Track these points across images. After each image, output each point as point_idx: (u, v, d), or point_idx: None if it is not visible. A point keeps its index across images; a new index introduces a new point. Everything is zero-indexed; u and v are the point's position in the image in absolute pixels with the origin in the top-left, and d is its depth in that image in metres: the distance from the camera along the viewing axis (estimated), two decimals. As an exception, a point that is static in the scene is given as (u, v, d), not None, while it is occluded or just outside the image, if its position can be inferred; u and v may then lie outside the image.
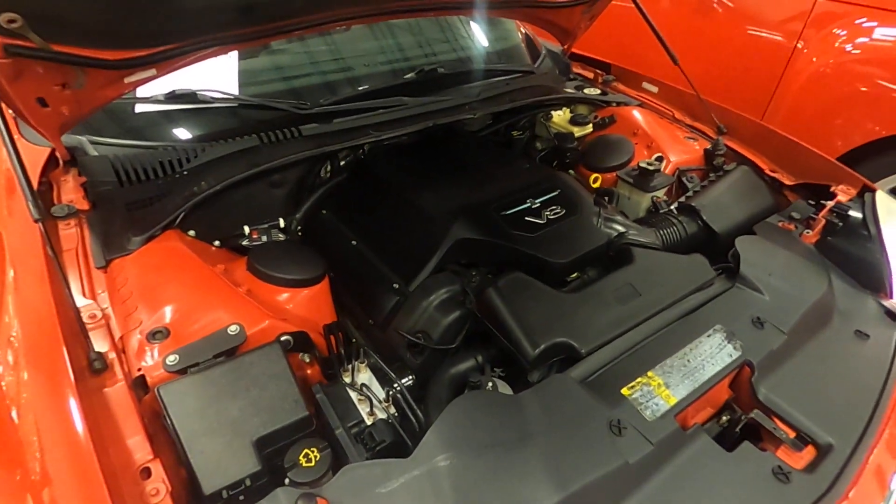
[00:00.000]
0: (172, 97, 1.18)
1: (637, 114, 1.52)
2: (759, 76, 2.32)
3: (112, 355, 0.74)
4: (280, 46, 1.39)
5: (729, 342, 0.87)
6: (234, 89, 1.25)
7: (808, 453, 0.76)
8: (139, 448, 0.65)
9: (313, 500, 0.61)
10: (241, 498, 0.66)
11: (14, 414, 0.65)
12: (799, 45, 2.18)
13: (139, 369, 0.74)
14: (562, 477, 0.66)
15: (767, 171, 1.34)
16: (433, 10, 1.34)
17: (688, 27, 2.54)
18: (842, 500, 0.69)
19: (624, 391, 0.78)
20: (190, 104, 1.20)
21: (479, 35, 1.71)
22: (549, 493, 0.64)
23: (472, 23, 1.72)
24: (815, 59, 2.14)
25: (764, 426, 0.80)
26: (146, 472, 0.63)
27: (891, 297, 1.07)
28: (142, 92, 1.17)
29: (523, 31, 1.84)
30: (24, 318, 0.74)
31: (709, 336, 0.88)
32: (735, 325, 0.90)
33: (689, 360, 0.84)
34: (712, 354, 0.85)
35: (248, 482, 0.66)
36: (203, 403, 0.71)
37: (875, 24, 1.99)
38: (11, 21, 0.74)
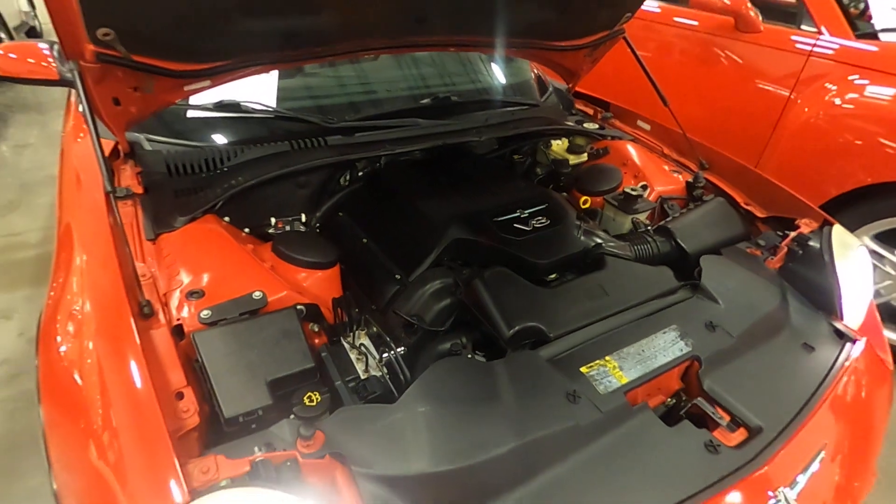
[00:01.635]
0: (219, 106, 1.38)
1: (629, 147, 1.68)
2: (757, 123, 2.47)
3: (157, 307, 0.90)
4: (314, 70, 1.59)
5: (681, 339, 1.00)
6: (272, 103, 1.44)
7: (740, 434, 0.88)
8: (175, 377, 0.79)
9: (311, 430, 0.75)
10: (254, 426, 0.80)
11: (77, 376, 0.80)
12: (792, 97, 2.34)
13: (178, 320, 0.90)
14: (520, 429, 0.79)
15: (742, 204, 1.47)
16: (448, 47, 1.54)
17: (693, 76, 2.73)
18: (760, 469, 0.80)
19: (583, 369, 0.91)
20: (233, 113, 1.39)
21: (492, 70, 1.91)
22: (507, 439, 0.77)
23: (487, 59, 1.93)
24: (806, 110, 2.29)
25: (704, 411, 0.92)
26: (180, 395, 0.77)
27: (841, 319, 1.18)
28: (194, 100, 1.37)
29: (535, 71, 2.04)
30: (94, 273, 0.91)
31: (664, 333, 1.00)
32: (689, 326, 1.03)
33: (643, 351, 0.96)
34: (665, 348, 0.98)
35: (260, 412, 0.80)
36: (228, 349, 0.85)
37: (866, 81, 2.14)
38: (106, 34, 0.94)
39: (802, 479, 0.81)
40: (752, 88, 2.49)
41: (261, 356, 0.85)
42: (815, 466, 0.84)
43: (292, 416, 0.79)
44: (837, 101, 2.19)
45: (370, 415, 0.80)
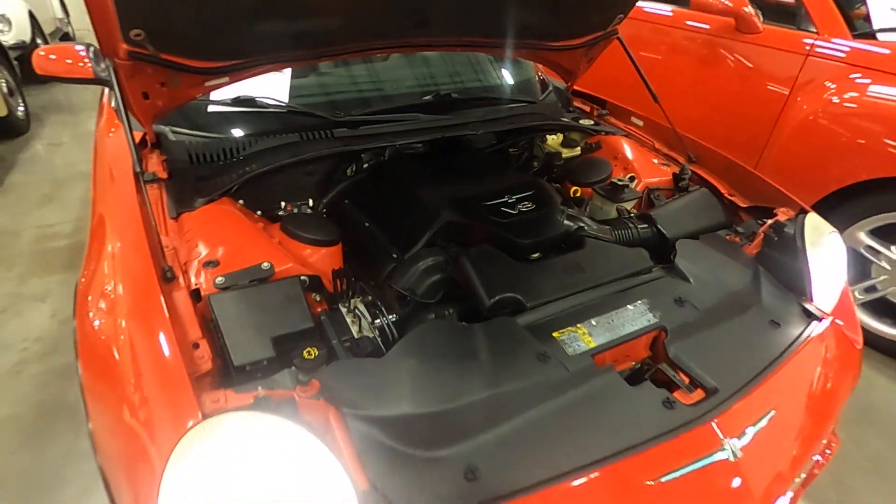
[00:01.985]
0: (236, 101, 1.50)
1: (621, 142, 1.76)
2: (758, 121, 2.53)
3: (178, 273, 1.02)
4: (322, 69, 1.72)
5: (650, 312, 1.09)
6: (284, 99, 1.57)
7: (697, 395, 0.96)
8: (193, 330, 0.90)
9: (309, 378, 0.86)
10: (259, 374, 0.91)
11: (109, 329, 0.92)
12: (791, 95, 2.39)
13: (196, 285, 1.01)
14: (493, 381, 0.89)
15: (726, 195, 1.55)
16: (449, 47, 1.65)
17: (694, 76, 2.80)
18: (710, 422, 0.88)
19: (555, 334, 1.00)
20: (249, 108, 1.52)
21: (492, 69, 2.01)
22: (480, 389, 0.87)
23: (488, 59, 2.03)
24: (805, 108, 2.34)
25: (667, 375, 1.00)
26: (196, 345, 0.89)
27: (811, 301, 1.25)
28: (214, 96, 1.50)
29: (540, 74, 2.14)
30: (125, 244, 1.03)
31: (634, 306, 1.09)
32: (659, 300, 1.11)
33: (613, 320, 1.05)
34: (633, 319, 1.07)
35: (265, 363, 0.91)
36: (239, 310, 0.96)
37: (864, 80, 2.19)
38: (137, 35, 1.07)
39: (750, 434, 0.89)
40: (753, 87, 2.54)
41: (267, 317, 0.97)
42: (763, 423, 0.91)
43: (293, 368, 0.90)
44: (835, 99, 2.24)
45: (361, 367, 0.91)
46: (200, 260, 1.06)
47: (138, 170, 1.08)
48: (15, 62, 4.51)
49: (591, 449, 0.83)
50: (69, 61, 1.70)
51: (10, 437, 1.70)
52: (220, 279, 1.01)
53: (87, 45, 1.75)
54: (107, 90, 1.93)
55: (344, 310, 1.07)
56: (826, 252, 1.30)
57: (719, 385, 0.96)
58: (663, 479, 0.81)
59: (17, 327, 2.16)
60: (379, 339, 1.02)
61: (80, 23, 8.70)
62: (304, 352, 0.92)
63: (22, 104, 4.37)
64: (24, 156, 3.88)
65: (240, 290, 1.00)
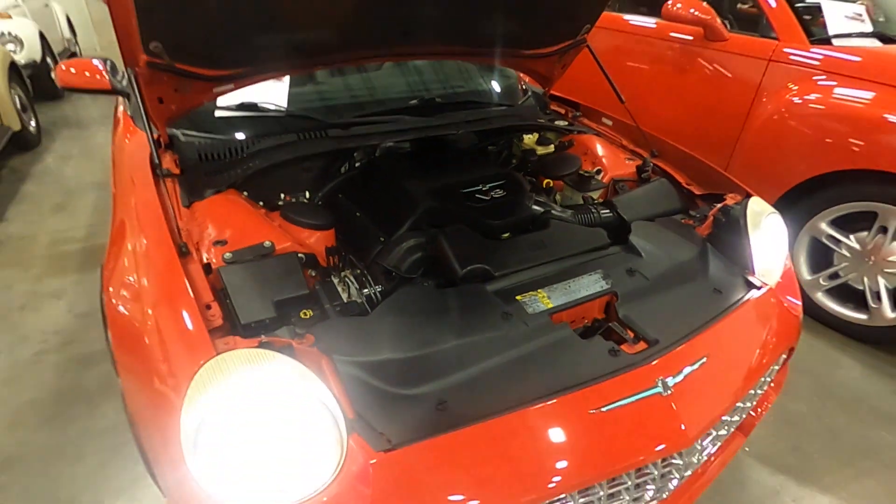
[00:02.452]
0: (240, 106, 1.68)
1: (591, 140, 1.93)
2: (728, 121, 2.70)
3: (192, 250, 1.18)
4: (318, 77, 1.89)
5: (603, 280, 1.24)
6: (283, 104, 1.74)
7: (640, 346, 1.11)
8: (206, 294, 1.05)
9: (304, 333, 1.01)
10: (262, 331, 1.06)
11: (135, 292, 1.07)
12: (757, 97, 2.57)
13: (207, 260, 1.17)
14: (462, 333, 1.04)
15: (684, 184, 1.71)
16: (431, 56, 1.82)
17: (673, 82, 2.98)
18: (647, 365, 1.03)
19: (518, 297, 1.16)
20: (251, 112, 1.69)
21: (473, 75, 2.19)
22: (450, 339, 1.03)
23: (471, 67, 2.21)
24: (769, 109, 2.51)
25: (615, 331, 1.15)
26: (209, 306, 1.04)
27: (753, 273, 1.40)
28: (220, 101, 1.68)
29: (523, 84, 2.31)
30: (146, 224, 1.19)
31: (590, 275, 1.25)
32: (612, 271, 1.27)
33: (570, 287, 1.21)
34: (588, 285, 1.22)
35: (267, 321, 1.06)
36: (244, 279, 1.12)
37: (821, 82, 2.35)
38: (156, 46, 1.24)
39: (681, 375, 1.04)
40: (723, 91, 2.72)
41: (268, 285, 1.12)
42: (694, 367, 1.06)
43: (291, 325, 1.06)
44: (797, 100, 2.41)
45: (349, 323, 1.06)
46: (210, 239, 1.22)
47: (157, 161, 1.24)
48: (28, 80, 4.72)
49: (543, 386, 0.98)
50: (87, 74, 1.89)
51: (31, 419, 1.84)
52: (227, 255, 1.17)
53: (104, 59, 1.93)
54: (120, 102, 2.10)
55: (335, 280, 1.23)
56: (767, 231, 1.45)
57: (660, 338, 1.11)
58: (604, 409, 0.96)
59: (36, 322, 2.32)
60: (366, 305, 1.17)
61: (86, 43, 8.99)
62: (301, 312, 1.09)
63: (34, 120, 4.57)
64: (36, 168, 4.07)
65: (245, 263, 1.16)
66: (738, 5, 3.21)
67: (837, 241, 2.31)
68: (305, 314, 1.08)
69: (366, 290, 1.21)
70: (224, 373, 0.83)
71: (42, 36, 5.70)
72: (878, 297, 2.22)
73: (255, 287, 1.11)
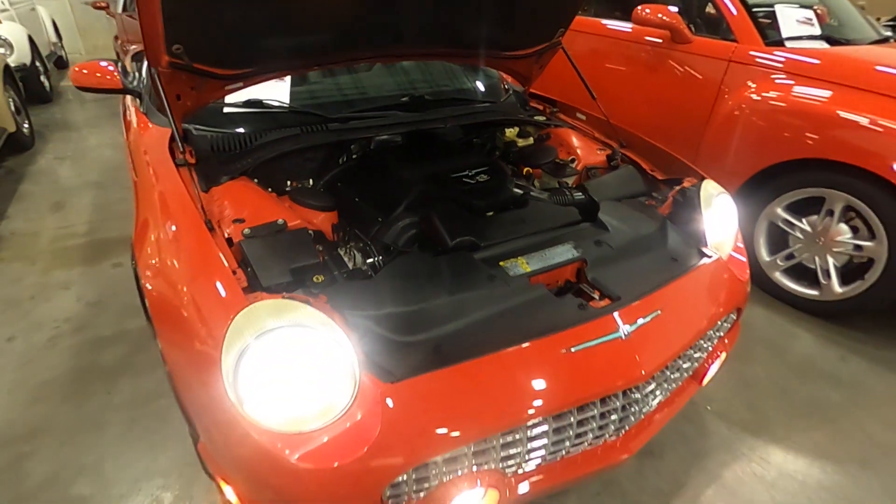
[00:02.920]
0: (247, 103, 1.84)
1: (567, 132, 2.13)
2: (695, 116, 2.92)
3: (215, 226, 1.34)
4: (318, 77, 2.07)
5: (574, 249, 1.43)
6: (286, 100, 1.90)
7: (605, 302, 1.30)
8: (230, 262, 1.22)
9: (318, 293, 1.18)
10: (283, 291, 1.22)
11: (173, 261, 1.23)
12: (719, 94, 2.80)
13: (228, 234, 1.33)
14: (453, 291, 1.22)
15: (648, 170, 1.91)
16: (420, 57, 2.01)
17: (642, 82, 3.20)
18: (610, 315, 1.22)
19: (501, 263, 1.34)
20: (257, 108, 1.86)
21: (460, 75, 2.38)
22: (444, 296, 1.21)
23: (457, 67, 2.40)
24: (730, 104, 2.74)
25: (584, 290, 1.34)
26: (234, 272, 1.20)
27: (706, 245, 1.61)
28: (229, 99, 1.84)
29: (506, 84, 2.51)
30: (175, 205, 1.35)
31: (563, 245, 1.44)
32: (582, 242, 1.46)
33: (545, 254, 1.40)
34: (562, 254, 1.41)
35: (285, 284, 1.23)
36: (263, 251, 1.28)
37: (776, 80, 2.58)
38: (177, 48, 1.40)
39: (638, 324, 1.23)
40: (690, 89, 2.95)
41: (284, 255, 1.29)
42: (649, 318, 1.25)
43: (306, 287, 1.23)
44: (755, 97, 2.64)
45: (357, 285, 1.23)
46: (230, 218, 1.38)
47: (181, 149, 1.41)
48: (20, 83, 4.80)
49: (523, 334, 1.16)
50: (98, 75, 2.04)
51: (52, 395, 1.98)
52: (247, 230, 1.34)
53: (115, 62, 2.08)
54: (130, 102, 2.24)
55: (342, 252, 1.40)
56: (718, 209, 1.65)
57: (622, 296, 1.31)
58: (573, 349, 1.15)
59: (47, 310, 2.45)
60: (371, 271, 1.35)
61: (71, 47, 9.01)
62: (314, 277, 1.26)
63: (27, 122, 4.65)
64: (32, 168, 4.16)
65: (263, 237, 1.32)
66: (707, 10, 3.46)
67: (792, 225, 2.54)
68: (318, 279, 1.25)
69: (370, 260, 1.38)
70: (257, 317, 1.00)
71: (31, 40, 5.76)
72: (827, 274, 2.46)
73: (272, 257, 1.27)
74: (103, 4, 5.95)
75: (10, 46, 5.26)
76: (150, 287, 1.27)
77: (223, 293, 1.10)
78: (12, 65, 4.99)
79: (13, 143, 4.28)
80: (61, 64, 7.82)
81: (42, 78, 5.90)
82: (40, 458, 1.73)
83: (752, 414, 1.97)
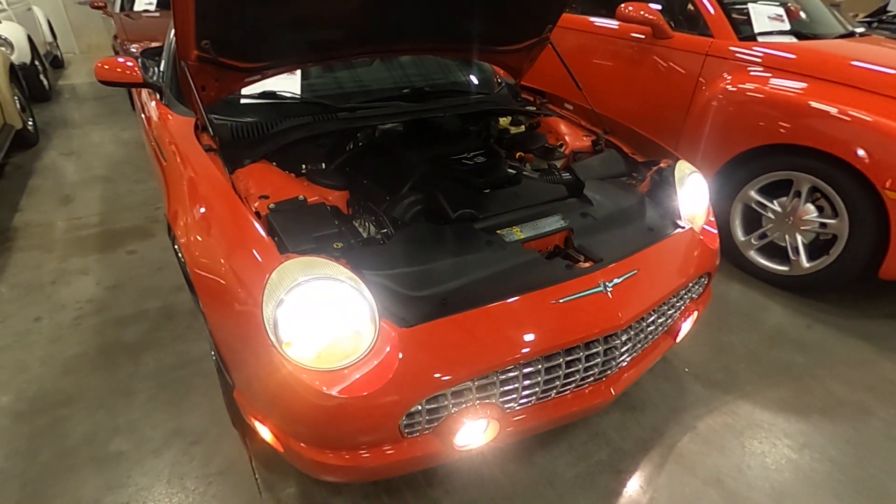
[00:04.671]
0: (263, 94, 2.01)
1: (556, 120, 2.31)
2: (676, 106, 3.12)
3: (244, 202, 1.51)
4: (330, 72, 2.24)
5: (562, 219, 1.62)
6: (298, 91, 2.07)
7: (589, 264, 1.49)
8: (262, 229, 1.39)
9: (339, 257, 1.36)
10: (308, 254, 1.39)
11: (211, 234, 1.40)
12: (697, 86, 2.99)
13: (256, 208, 1.50)
14: (456, 253, 1.40)
15: (629, 154, 2.10)
16: (421, 51, 2.18)
17: (627, 75, 3.39)
18: (593, 274, 1.41)
19: (497, 231, 1.53)
20: (272, 99, 2.02)
21: (456, 69, 2.56)
22: (448, 258, 1.38)
23: (455, 62, 2.58)
24: (707, 95, 2.94)
25: (571, 255, 1.53)
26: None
27: (680, 218, 1.80)
28: (246, 91, 2.00)
29: (499, 78, 2.69)
30: (209, 183, 1.52)
31: (552, 216, 1.62)
32: (569, 213, 1.64)
33: (537, 224, 1.58)
34: (551, 223, 1.59)
35: (309, 249, 1.40)
36: (287, 221, 1.45)
37: (750, 72, 2.78)
38: (206, 44, 1.57)
39: (617, 281, 1.42)
40: (671, 82, 3.14)
41: (307, 225, 1.45)
42: (627, 276, 1.44)
43: (328, 252, 1.40)
44: (730, 87, 2.84)
45: (372, 250, 1.41)
46: (255, 195, 1.55)
47: (213, 134, 1.57)
48: (24, 81, 4.91)
49: (517, 289, 1.35)
50: (119, 70, 2.19)
51: (82, 367, 2.13)
52: (272, 205, 1.50)
53: (136, 58, 2.24)
54: (149, 97, 2.39)
55: (356, 224, 1.58)
56: (690, 186, 1.84)
57: (603, 258, 1.49)
58: (561, 301, 1.34)
59: (69, 293, 2.59)
60: (383, 240, 1.53)
61: (66, 46, 9.07)
62: (334, 244, 1.43)
63: (31, 119, 4.76)
64: (39, 164, 4.28)
65: (287, 210, 1.49)
66: (687, 7, 3.66)
67: (764, 206, 2.74)
68: (337, 245, 1.42)
69: (384, 230, 1.56)
70: (291, 272, 1.17)
71: (30, 39, 5.86)
72: (796, 251, 2.66)
73: (297, 226, 1.44)
74: (101, 4, 6.04)
75: (11, 46, 5.36)
76: (190, 259, 1.43)
77: (259, 258, 1.27)
78: (15, 63, 5.09)
79: (20, 140, 4.39)
80: (57, 63, 7.90)
81: (41, 77, 6.00)
82: (77, 420, 1.89)
83: (725, 375, 2.17)
